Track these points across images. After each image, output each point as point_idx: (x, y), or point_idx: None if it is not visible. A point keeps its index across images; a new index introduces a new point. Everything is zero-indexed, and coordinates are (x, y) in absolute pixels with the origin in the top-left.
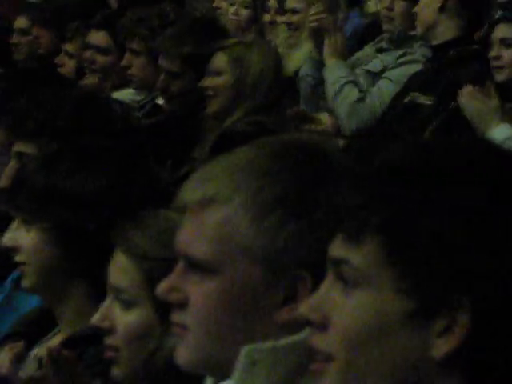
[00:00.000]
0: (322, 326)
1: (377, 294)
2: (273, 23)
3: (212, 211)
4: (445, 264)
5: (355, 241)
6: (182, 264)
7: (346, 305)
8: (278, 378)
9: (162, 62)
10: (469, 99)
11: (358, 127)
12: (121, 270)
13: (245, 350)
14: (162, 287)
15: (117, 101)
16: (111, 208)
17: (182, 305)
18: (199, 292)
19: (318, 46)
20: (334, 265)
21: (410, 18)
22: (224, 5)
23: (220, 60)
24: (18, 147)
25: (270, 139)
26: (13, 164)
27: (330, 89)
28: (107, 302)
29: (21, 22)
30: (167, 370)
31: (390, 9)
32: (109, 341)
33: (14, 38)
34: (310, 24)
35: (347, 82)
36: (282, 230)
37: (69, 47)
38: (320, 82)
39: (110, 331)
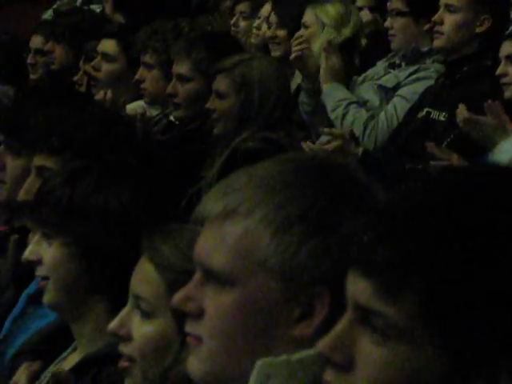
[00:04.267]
0: (345, 368)
1: (413, 350)
2: (274, 38)
3: (233, 223)
4: (487, 328)
5: (391, 296)
6: (200, 274)
7: (377, 354)
8: None
9: (173, 68)
10: (467, 123)
11: (376, 145)
12: (145, 278)
13: (259, 364)
14: (178, 297)
15: (140, 118)
16: (133, 223)
17: (197, 316)
18: (215, 304)
19: (304, 74)
20: (359, 309)
21: (410, 33)
22: (242, 24)
23: (223, 83)
24: (39, 161)
25: (292, 155)
26: (33, 178)
27: (333, 114)
28: (127, 310)
29: (36, 41)
30: None
31: (390, 27)
32: (124, 349)
33: (30, 58)
34: (293, 52)
35: (350, 103)
36: (302, 246)
37: (87, 67)
38: (315, 109)
39: (127, 339)
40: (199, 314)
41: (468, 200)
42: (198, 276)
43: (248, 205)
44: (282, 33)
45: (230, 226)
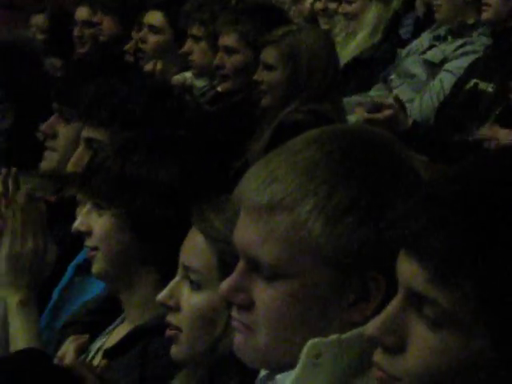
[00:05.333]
0: (396, 350)
1: (465, 339)
2: (325, 10)
3: (281, 215)
4: None
5: (445, 283)
6: (245, 264)
7: (430, 340)
8: (342, 369)
9: (220, 40)
10: None
11: (421, 120)
12: (195, 249)
13: (309, 344)
14: (226, 287)
15: (187, 89)
16: (184, 195)
17: (247, 306)
18: (267, 295)
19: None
20: (412, 293)
21: (456, 4)
22: None
23: (270, 55)
24: (88, 133)
25: (328, 134)
26: (81, 150)
27: None
28: (176, 280)
29: (82, 13)
30: (231, 356)
31: None
32: (172, 319)
33: (77, 31)
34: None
35: None
36: (355, 234)
37: (137, 35)
38: None
39: (175, 310)
40: (249, 305)
41: None
42: (243, 265)
43: (295, 196)
44: (333, 6)
45: (279, 219)
